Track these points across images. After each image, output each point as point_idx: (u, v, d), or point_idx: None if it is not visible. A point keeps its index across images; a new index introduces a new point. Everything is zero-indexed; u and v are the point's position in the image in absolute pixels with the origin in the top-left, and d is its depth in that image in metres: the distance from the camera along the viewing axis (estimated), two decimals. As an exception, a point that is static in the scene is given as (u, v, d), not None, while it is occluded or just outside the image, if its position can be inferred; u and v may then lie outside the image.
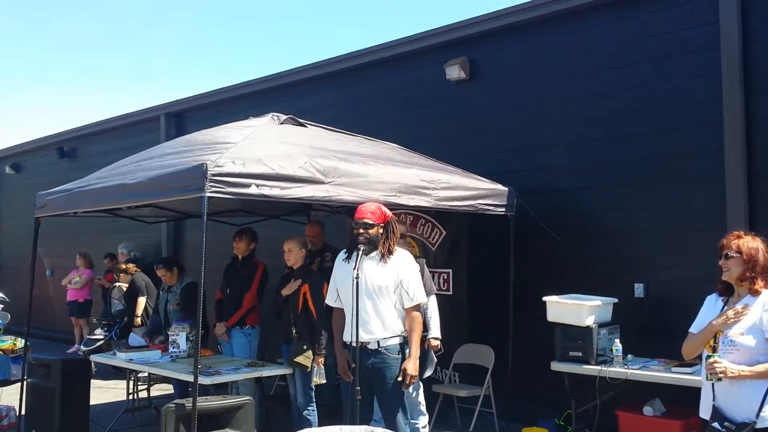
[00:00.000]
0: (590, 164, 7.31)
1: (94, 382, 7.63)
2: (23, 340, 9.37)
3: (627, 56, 7.10)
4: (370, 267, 5.02)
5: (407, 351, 5.06)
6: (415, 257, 6.46)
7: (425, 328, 6.21)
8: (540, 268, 7.40)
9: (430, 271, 7.41)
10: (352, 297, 4.83)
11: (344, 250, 5.23)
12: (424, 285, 6.19)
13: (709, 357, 3.64)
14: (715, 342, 3.72)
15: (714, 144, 6.43)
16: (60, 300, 13.71)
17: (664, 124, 6.80)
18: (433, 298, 6.37)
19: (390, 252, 5.06)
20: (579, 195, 7.35)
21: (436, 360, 6.44)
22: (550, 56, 7.72)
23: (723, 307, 3.80)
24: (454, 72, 8.32)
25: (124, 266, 10.55)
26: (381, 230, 5.05)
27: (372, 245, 5.02)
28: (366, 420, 5.00)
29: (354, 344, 4.82)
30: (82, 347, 10.36)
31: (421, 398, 6.21)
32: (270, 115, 6.96)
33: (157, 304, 8.19)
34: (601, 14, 7.31)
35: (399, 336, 5.07)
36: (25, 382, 7.04)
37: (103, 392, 9.09)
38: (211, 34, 43.40)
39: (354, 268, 4.84)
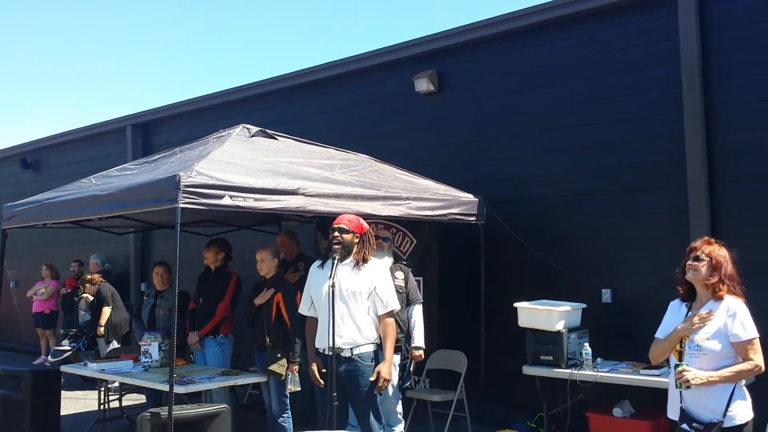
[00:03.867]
0: (557, 174, 7.48)
1: (63, 393, 7.57)
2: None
3: (592, 70, 7.30)
4: (344, 273, 5.08)
5: (381, 357, 5.13)
6: (404, 265, 6.54)
7: (408, 337, 6.30)
8: (510, 275, 7.53)
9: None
10: (328, 304, 4.89)
11: (319, 259, 5.31)
12: (410, 294, 6.28)
13: (677, 365, 3.75)
14: (681, 347, 3.83)
15: (676, 153, 6.63)
16: (24, 312, 13.52)
17: (628, 134, 7.00)
18: (419, 308, 6.38)
19: (364, 260, 5.14)
20: (547, 204, 7.51)
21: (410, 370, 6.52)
22: (516, 70, 7.89)
23: (687, 313, 3.91)
24: (423, 84, 8.44)
25: (89, 276, 10.48)
26: (356, 239, 5.14)
27: (346, 251, 5.09)
28: (341, 426, 5.06)
29: (328, 351, 4.88)
30: (49, 358, 10.26)
31: (399, 406, 6.28)
32: (240, 126, 7.02)
33: (129, 307, 8.14)
34: (566, 29, 7.50)
35: (372, 343, 5.13)
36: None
37: (73, 403, 9.01)
38: (179, 44, 43.12)
39: (330, 276, 4.91)
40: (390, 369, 5.11)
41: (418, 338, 6.28)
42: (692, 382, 3.68)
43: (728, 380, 3.72)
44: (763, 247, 6.08)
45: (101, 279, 10.27)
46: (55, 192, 6.93)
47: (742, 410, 3.76)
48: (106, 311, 9.69)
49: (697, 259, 3.86)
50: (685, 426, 3.79)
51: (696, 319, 3.81)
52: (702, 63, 6.52)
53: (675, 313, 4.00)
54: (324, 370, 4.95)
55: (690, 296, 3.96)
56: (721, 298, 3.82)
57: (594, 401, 6.25)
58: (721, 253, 3.89)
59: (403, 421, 6.33)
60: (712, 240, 3.98)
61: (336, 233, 5.09)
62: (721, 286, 3.83)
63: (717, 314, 3.80)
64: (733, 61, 6.44)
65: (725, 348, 3.75)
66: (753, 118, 6.32)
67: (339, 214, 5.38)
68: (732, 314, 3.77)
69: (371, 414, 5.12)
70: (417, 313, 6.34)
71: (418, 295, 6.52)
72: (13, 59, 41.12)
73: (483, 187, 7.53)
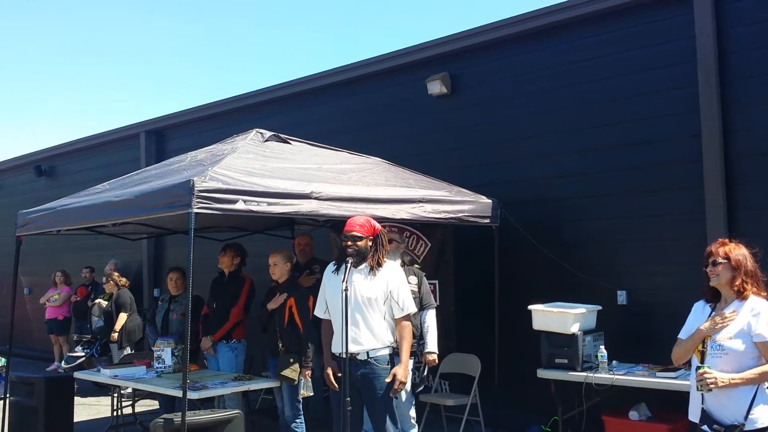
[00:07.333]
0: (572, 175, 7.42)
1: (76, 399, 7.58)
2: (3, 359, 9.30)
3: (606, 70, 7.24)
4: (360, 279, 5.03)
5: (396, 360, 5.09)
6: (417, 269, 6.53)
7: (421, 342, 6.26)
8: (524, 278, 7.48)
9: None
10: (341, 309, 4.84)
11: (333, 262, 5.26)
12: (423, 298, 6.26)
13: (699, 367, 3.69)
14: (704, 347, 3.77)
15: (693, 154, 6.56)
16: (38, 318, 13.55)
17: (644, 135, 6.94)
18: (432, 313, 6.36)
19: (379, 264, 5.08)
20: (561, 205, 7.46)
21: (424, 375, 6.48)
22: (530, 71, 7.85)
23: (710, 313, 3.85)
24: (436, 87, 8.41)
25: (115, 275, 10.20)
26: (370, 243, 5.07)
27: (361, 257, 5.04)
28: (356, 431, 5.02)
29: (343, 356, 4.84)
30: (62, 365, 10.26)
31: (413, 411, 6.24)
32: (254, 131, 7.02)
33: (143, 313, 8.13)
34: (580, 29, 7.45)
35: (389, 347, 5.09)
36: (7, 401, 6.98)
37: (86, 409, 9.02)
38: (192, 50, 43.37)
39: (343, 281, 4.86)
40: (406, 372, 5.06)
41: (432, 343, 6.25)
42: (713, 385, 3.62)
43: (751, 382, 3.66)
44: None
45: (126, 283, 10.14)
46: (70, 198, 6.95)
47: (765, 413, 3.68)
48: (123, 317, 9.65)
49: (715, 264, 3.81)
50: (705, 428, 3.73)
51: (718, 319, 3.75)
52: (719, 61, 6.46)
53: (699, 313, 3.94)
54: (339, 375, 4.90)
55: (715, 297, 3.90)
56: (745, 298, 3.76)
57: (610, 404, 6.19)
58: (740, 251, 3.83)
59: (417, 426, 6.28)
60: (726, 240, 3.92)
61: (349, 242, 5.02)
62: (745, 285, 3.77)
63: (741, 314, 3.74)
64: (750, 59, 6.38)
65: (748, 348, 3.69)
66: (770, 117, 6.25)
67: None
68: (756, 314, 3.70)
69: (387, 418, 5.06)
70: (430, 318, 6.32)
71: (432, 299, 6.49)
72: (26, 68, 41.48)
73: (496, 189, 7.48)
